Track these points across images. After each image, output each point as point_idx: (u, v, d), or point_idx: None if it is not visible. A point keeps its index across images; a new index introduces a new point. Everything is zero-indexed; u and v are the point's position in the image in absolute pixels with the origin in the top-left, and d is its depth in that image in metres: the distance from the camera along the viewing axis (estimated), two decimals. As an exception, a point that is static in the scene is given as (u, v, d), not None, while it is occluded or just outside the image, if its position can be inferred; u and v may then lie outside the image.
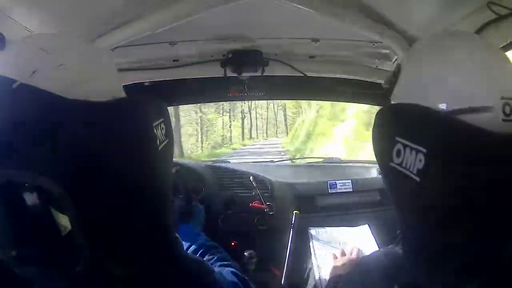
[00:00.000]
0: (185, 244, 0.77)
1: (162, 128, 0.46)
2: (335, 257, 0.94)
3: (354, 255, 0.93)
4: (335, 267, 0.88)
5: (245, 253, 1.21)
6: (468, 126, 0.37)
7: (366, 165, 1.73)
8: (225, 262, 0.73)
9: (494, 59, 0.41)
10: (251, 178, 1.40)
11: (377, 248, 1.08)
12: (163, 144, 0.46)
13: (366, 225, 1.20)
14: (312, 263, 1.06)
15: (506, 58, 0.41)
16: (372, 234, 1.15)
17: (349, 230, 1.19)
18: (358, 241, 1.13)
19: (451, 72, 0.40)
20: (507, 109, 0.37)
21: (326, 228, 1.21)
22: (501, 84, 0.38)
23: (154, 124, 0.44)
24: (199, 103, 10.98)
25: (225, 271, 0.65)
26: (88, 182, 0.37)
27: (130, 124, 0.41)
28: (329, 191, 1.43)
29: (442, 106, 0.39)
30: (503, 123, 0.37)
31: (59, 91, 0.37)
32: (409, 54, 0.51)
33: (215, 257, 0.75)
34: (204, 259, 0.73)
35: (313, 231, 1.19)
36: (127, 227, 0.40)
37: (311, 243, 1.13)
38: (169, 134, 0.48)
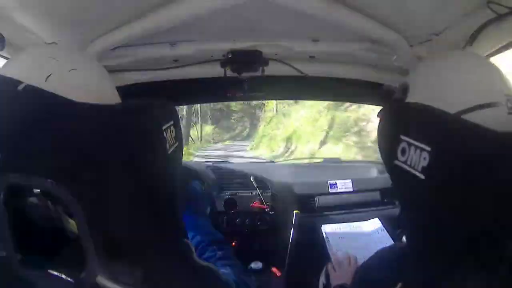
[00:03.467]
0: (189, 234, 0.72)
1: (172, 131, 0.46)
2: (333, 269, 0.93)
3: (352, 264, 0.90)
4: (335, 278, 0.85)
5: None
6: (472, 124, 0.38)
7: (366, 165, 1.73)
8: (225, 262, 0.71)
9: (493, 70, 0.46)
10: (251, 178, 1.40)
11: (390, 240, 1.09)
12: (173, 147, 0.45)
13: (377, 218, 1.20)
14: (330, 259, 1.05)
15: (500, 71, 0.46)
16: (384, 226, 1.15)
17: (361, 224, 1.20)
18: (371, 234, 1.14)
19: (458, 79, 0.43)
20: (510, 103, 0.41)
21: (339, 224, 1.22)
22: (502, 86, 0.42)
23: (164, 127, 0.44)
24: (199, 103, 10.98)
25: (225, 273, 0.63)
26: (96, 186, 0.36)
27: (139, 127, 0.41)
28: (330, 191, 1.43)
29: (450, 108, 0.41)
30: (509, 116, 0.40)
31: (74, 94, 0.38)
32: (418, 66, 0.54)
33: (216, 255, 0.72)
34: (204, 256, 0.71)
35: (327, 227, 1.19)
36: (134, 230, 0.40)
37: (326, 240, 1.13)
38: (178, 137, 0.48)
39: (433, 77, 0.46)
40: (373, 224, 1.19)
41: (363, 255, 0.91)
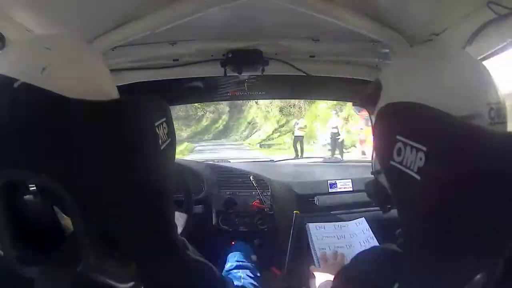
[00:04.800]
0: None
1: (164, 127, 0.46)
2: (318, 265, 0.92)
3: (339, 260, 0.90)
4: (319, 274, 0.83)
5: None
6: (468, 125, 0.37)
7: (367, 164, 1.73)
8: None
9: (480, 71, 0.45)
10: (251, 177, 1.40)
11: (375, 240, 1.09)
12: (165, 144, 0.45)
13: (363, 218, 1.21)
14: (312, 258, 1.06)
15: (488, 71, 0.45)
16: (369, 226, 1.15)
17: (346, 224, 1.20)
18: (356, 234, 1.14)
19: (446, 80, 0.43)
20: (492, 113, 0.41)
21: (324, 223, 1.22)
22: (486, 94, 0.42)
23: (156, 123, 0.44)
24: (199, 102, 10.75)
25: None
26: (90, 182, 0.37)
27: (132, 123, 0.41)
28: (329, 191, 1.43)
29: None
30: (490, 127, 0.40)
31: (70, 88, 0.38)
32: (407, 58, 0.53)
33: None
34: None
35: (311, 226, 1.19)
36: (128, 226, 0.40)
37: (309, 238, 1.13)
38: (171, 133, 0.48)
39: (415, 79, 0.45)
40: (358, 224, 1.19)
41: (347, 255, 0.91)
